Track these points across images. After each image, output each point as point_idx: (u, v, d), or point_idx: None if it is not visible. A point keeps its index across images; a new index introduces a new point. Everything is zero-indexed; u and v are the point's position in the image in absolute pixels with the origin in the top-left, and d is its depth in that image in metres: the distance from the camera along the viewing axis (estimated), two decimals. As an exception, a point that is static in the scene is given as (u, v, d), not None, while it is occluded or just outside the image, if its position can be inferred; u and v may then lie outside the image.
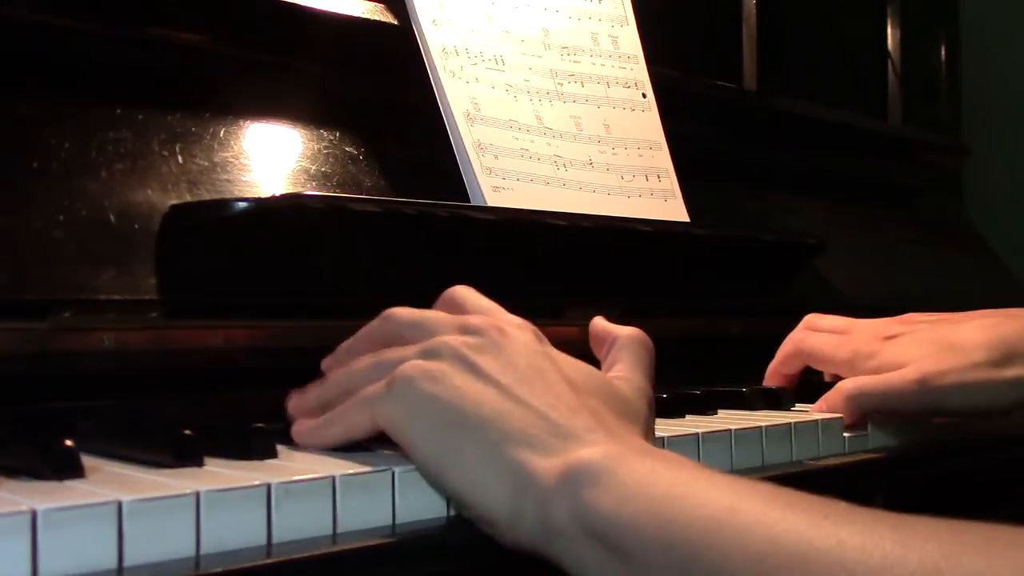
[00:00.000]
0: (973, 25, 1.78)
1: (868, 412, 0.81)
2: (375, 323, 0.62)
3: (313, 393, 0.61)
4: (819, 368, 0.90)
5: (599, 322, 0.67)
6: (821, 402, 0.82)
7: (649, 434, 0.58)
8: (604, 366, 0.63)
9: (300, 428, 0.60)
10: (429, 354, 0.55)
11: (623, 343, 0.63)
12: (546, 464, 0.50)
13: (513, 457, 0.50)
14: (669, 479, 0.48)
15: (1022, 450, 0.92)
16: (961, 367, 0.80)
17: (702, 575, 0.45)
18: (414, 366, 0.54)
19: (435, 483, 0.52)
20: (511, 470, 0.50)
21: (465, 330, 0.57)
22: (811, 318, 0.92)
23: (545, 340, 0.58)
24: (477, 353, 0.54)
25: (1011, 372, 0.80)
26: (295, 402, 0.61)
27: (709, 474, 0.49)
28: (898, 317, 0.88)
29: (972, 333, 0.82)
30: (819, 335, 0.89)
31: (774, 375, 0.92)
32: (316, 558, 0.46)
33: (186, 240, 0.71)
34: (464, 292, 0.63)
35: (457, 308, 0.61)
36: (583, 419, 0.52)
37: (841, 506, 0.46)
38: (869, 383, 0.81)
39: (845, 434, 0.78)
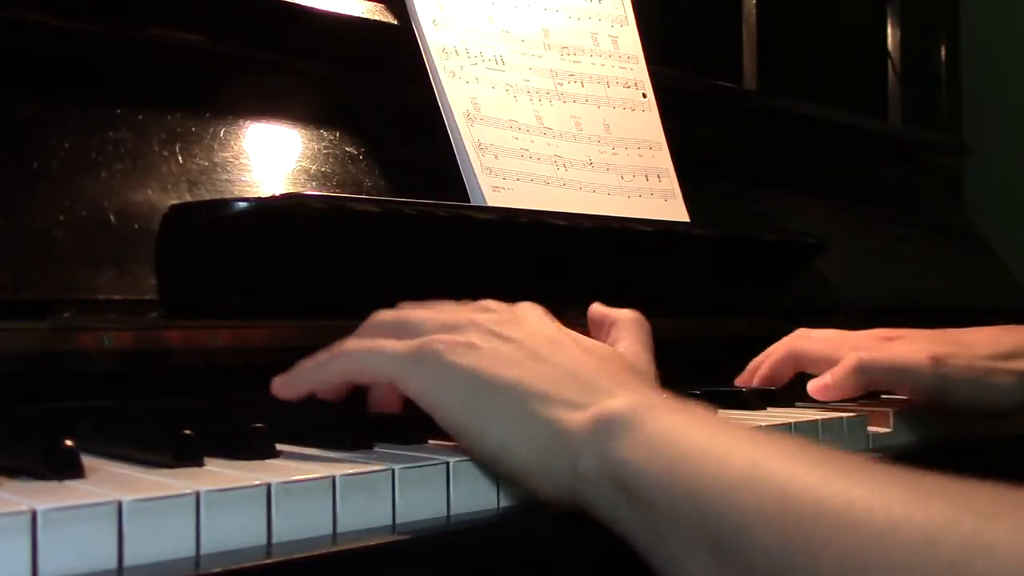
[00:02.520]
0: (973, 25, 1.78)
1: (874, 387, 0.80)
2: (361, 327, 0.62)
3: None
4: (815, 371, 0.88)
5: (598, 307, 0.70)
6: (825, 377, 0.81)
7: None
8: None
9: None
10: (453, 328, 0.57)
11: (623, 324, 0.66)
12: (576, 416, 0.52)
13: (545, 412, 0.53)
14: (694, 433, 0.50)
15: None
16: (969, 356, 0.79)
17: (724, 530, 0.46)
18: (443, 340, 0.56)
19: (473, 445, 0.54)
20: (543, 424, 0.53)
21: (479, 307, 0.60)
22: (802, 330, 0.90)
23: (550, 316, 0.61)
24: (500, 325, 0.57)
25: (1016, 365, 0.80)
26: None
27: (732, 428, 0.51)
28: (896, 328, 0.87)
29: (975, 333, 0.83)
30: (815, 338, 0.88)
31: (763, 381, 0.89)
32: (316, 558, 0.46)
33: (186, 240, 0.71)
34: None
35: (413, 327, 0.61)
36: (607, 376, 0.55)
37: (855, 462, 0.47)
38: (880, 355, 0.80)
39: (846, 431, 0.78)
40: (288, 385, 0.61)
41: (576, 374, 0.55)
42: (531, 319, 0.60)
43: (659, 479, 0.48)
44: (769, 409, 0.82)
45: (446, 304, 0.62)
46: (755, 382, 0.91)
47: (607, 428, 0.51)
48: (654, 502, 0.48)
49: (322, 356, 0.60)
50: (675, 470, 0.48)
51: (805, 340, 0.89)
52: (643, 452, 0.49)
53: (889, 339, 0.85)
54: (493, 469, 0.54)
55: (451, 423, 0.55)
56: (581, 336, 0.60)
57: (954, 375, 0.79)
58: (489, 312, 0.59)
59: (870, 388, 0.81)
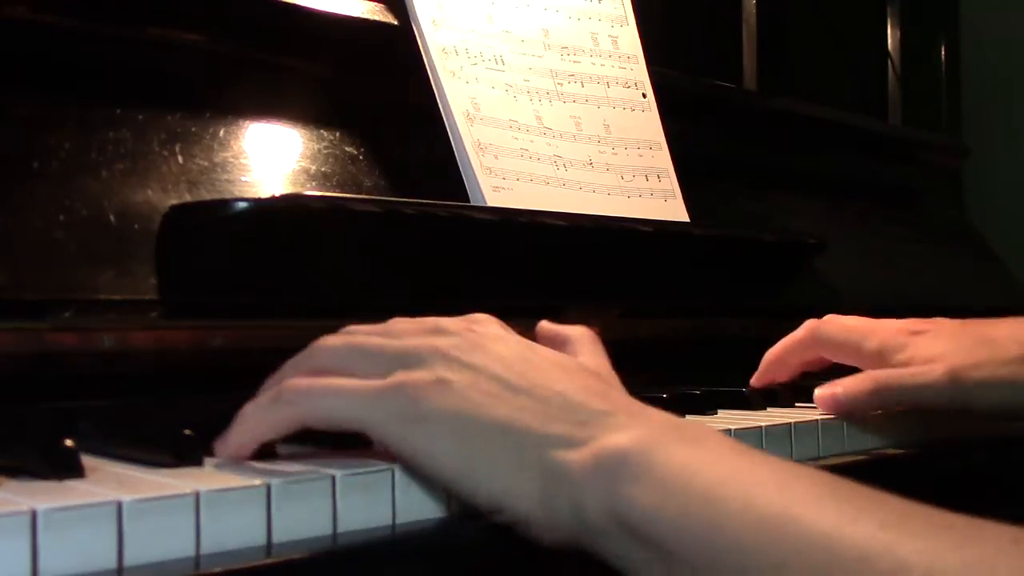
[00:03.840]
0: (973, 25, 1.78)
1: (892, 405, 0.78)
2: (300, 358, 0.56)
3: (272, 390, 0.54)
4: (838, 358, 0.85)
5: (547, 325, 0.65)
6: (837, 384, 0.77)
7: None
8: None
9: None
10: (416, 360, 0.52)
11: (577, 339, 0.62)
12: (575, 456, 0.48)
13: (541, 456, 0.49)
14: (710, 471, 0.46)
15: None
16: (995, 361, 0.76)
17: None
18: (412, 380, 0.51)
19: (468, 498, 0.50)
20: (541, 469, 0.49)
21: (437, 331, 0.54)
22: (829, 316, 0.86)
23: (509, 329, 0.57)
24: (463, 351, 0.52)
25: None
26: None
27: (749, 462, 0.47)
28: (924, 319, 0.84)
29: (1007, 329, 0.79)
30: (843, 324, 0.84)
31: (777, 364, 0.87)
32: (316, 558, 0.46)
33: (186, 240, 0.71)
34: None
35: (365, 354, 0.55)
36: (595, 399, 0.51)
37: (894, 508, 0.44)
38: (898, 377, 0.77)
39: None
40: (229, 444, 0.53)
41: (563, 401, 0.51)
42: (492, 337, 0.54)
43: (675, 525, 0.45)
44: (769, 409, 0.82)
45: (395, 323, 0.56)
46: (767, 358, 0.87)
47: (612, 469, 0.47)
48: (671, 549, 0.45)
49: (264, 399, 0.53)
50: (691, 516, 0.45)
51: (830, 324, 0.84)
52: (655, 495, 0.46)
53: (916, 332, 0.81)
54: (494, 518, 0.50)
55: (438, 473, 0.50)
56: (541, 347, 0.56)
57: (973, 389, 0.76)
58: (447, 335, 0.54)
59: (887, 409, 0.78)
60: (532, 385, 0.51)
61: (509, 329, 0.57)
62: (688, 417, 0.76)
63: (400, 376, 0.51)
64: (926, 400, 0.77)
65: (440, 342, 0.53)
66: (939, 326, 0.82)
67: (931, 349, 0.78)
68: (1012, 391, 0.76)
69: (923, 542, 0.42)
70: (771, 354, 0.87)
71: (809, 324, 0.86)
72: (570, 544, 0.49)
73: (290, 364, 0.56)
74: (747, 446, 0.49)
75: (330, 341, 0.55)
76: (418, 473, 0.51)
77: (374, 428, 0.51)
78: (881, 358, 0.80)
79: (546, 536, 0.49)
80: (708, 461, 0.47)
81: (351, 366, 0.53)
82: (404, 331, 0.55)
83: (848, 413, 0.77)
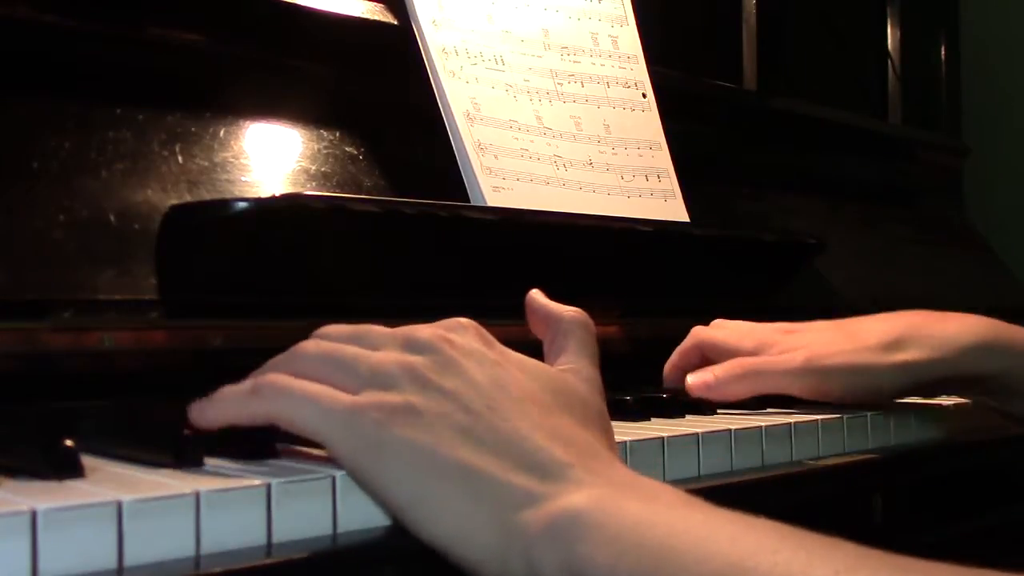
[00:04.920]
0: (973, 25, 1.78)
1: (760, 390, 0.82)
2: (284, 357, 0.56)
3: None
4: (723, 360, 0.87)
5: (538, 300, 0.63)
6: (708, 371, 0.83)
7: (608, 431, 0.57)
8: (549, 352, 0.61)
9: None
10: (387, 381, 0.51)
11: (568, 327, 0.60)
12: (531, 516, 0.48)
13: (498, 509, 0.48)
14: (663, 526, 0.46)
15: (1022, 449, 0.92)
16: (849, 349, 0.82)
17: None
18: (379, 405, 0.50)
19: (412, 530, 0.49)
20: (497, 522, 0.48)
21: (412, 346, 0.54)
22: (717, 320, 0.91)
23: (488, 336, 0.56)
24: (437, 372, 0.52)
25: (898, 357, 0.81)
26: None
27: (703, 515, 0.47)
28: (799, 322, 0.89)
29: (869, 324, 0.85)
30: (724, 329, 0.89)
31: (676, 373, 0.89)
32: (316, 558, 0.46)
33: (186, 240, 0.71)
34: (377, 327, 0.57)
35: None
36: (559, 449, 0.50)
37: (848, 553, 0.43)
38: (763, 363, 0.83)
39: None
40: (204, 414, 0.54)
41: (527, 449, 0.50)
42: (470, 356, 0.53)
43: None
44: (768, 409, 0.82)
45: (371, 330, 0.55)
46: (665, 371, 0.90)
47: (567, 529, 0.46)
48: None
49: (246, 386, 0.53)
50: (647, 570, 0.44)
51: (713, 329, 0.89)
52: (609, 551, 0.45)
53: (788, 331, 0.86)
54: (442, 556, 0.49)
55: (384, 501, 0.49)
56: (521, 364, 0.55)
57: (828, 373, 0.81)
58: (421, 351, 0.53)
59: (756, 394, 0.82)
60: (500, 421, 0.51)
61: (487, 336, 0.56)
62: (688, 417, 0.76)
63: (369, 396, 0.51)
64: (788, 385, 0.82)
65: (414, 360, 0.52)
66: (810, 325, 0.87)
67: (798, 342, 0.84)
68: (866, 377, 0.81)
69: None
70: (668, 366, 0.90)
71: (694, 331, 0.89)
72: None
73: (270, 365, 0.56)
74: (702, 500, 0.49)
75: (308, 348, 0.55)
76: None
77: (332, 446, 0.50)
78: (757, 355, 0.85)
79: None
80: (662, 516, 0.46)
81: (326, 376, 0.53)
82: (379, 339, 0.55)
83: (721, 397, 0.82)
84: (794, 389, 0.82)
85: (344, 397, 0.51)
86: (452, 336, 0.55)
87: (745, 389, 0.82)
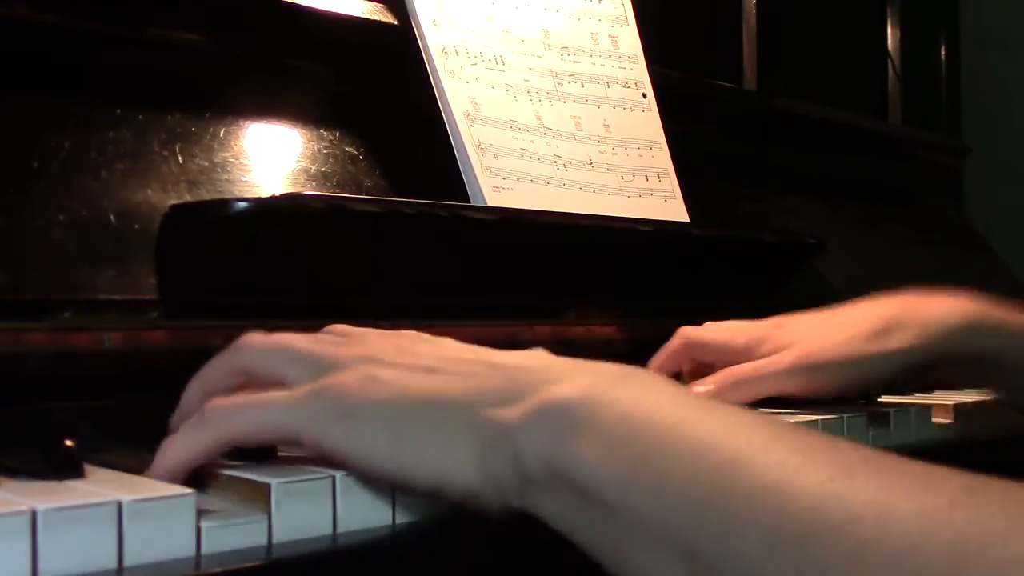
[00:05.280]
0: (973, 25, 1.78)
1: (755, 396, 0.81)
2: (225, 356, 0.55)
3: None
4: (712, 359, 0.87)
5: None
6: (698, 384, 0.82)
7: None
8: None
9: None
10: (338, 366, 0.51)
11: None
12: (511, 413, 0.46)
13: (474, 418, 0.46)
14: (659, 419, 0.44)
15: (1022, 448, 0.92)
16: (839, 342, 0.81)
17: (700, 538, 0.41)
18: (336, 383, 0.49)
19: (405, 486, 0.48)
20: (476, 434, 0.46)
21: (358, 338, 0.53)
22: (708, 323, 0.90)
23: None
24: (391, 355, 0.51)
25: (889, 344, 0.80)
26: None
27: (698, 408, 0.45)
28: (788, 315, 0.89)
29: (858, 312, 0.84)
30: (713, 327, 0.88)
31: (659, 371, 0.87)
32: (316, 558, 0.46)
33: (186, 240, 0.71)
34: (261, 339, 0.55)
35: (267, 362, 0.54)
36: (532, 361, 0.49)
37: (847, 456, 0.42)
38: (751, 369, 0.81)
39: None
40: (160, 469, 0.50)
41: (496, 366, 0.48)
42: (417, 340, 0.53)
43: (620, 480, 0.43)
44: (767, 409, 0.82)
45: (320, 336, 0.55)
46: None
47: (555, 421, 0.44)
48: (615, 507, 0.42)
49: (187, 426, 0.51)
50: (639, 468, 0.42)
51: (701, 329, 0.88)
52: (602, 447, 0.43)
53: (778, 326, 0.85)
54: (441, 502, 0.48)
55: (371, 467, 0.48)
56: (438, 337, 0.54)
57: (822, 367, 0.80)
58: (370, 342, 0.53)
59: (752, 400, 0.81)
60: (463, 361, 0.50)
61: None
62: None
63: (323, 380, 0.50)
64: (782, 386, 0.81)
65: (364, 349, 0.52)
66: (800, 317, 0.86)
67: (789, 338, 0.83)
68: (858, 368, 0.81)
69: (875, 490, 0.40)
70: (654, 366, 0.89)
71: (682, 331, 0.88)
72: (513, 508, 0.46)
73: (215, 362, 0.55)
74: (696, 393, 0.47)
75: (255, 340, 0.54)
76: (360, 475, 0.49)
77: (301, 434, 0.49)
78: (749, 352, 0.84)
79: (493, 506, 0.47)
80: (656, 409, 0.44)
81: (275, 367, 0.52)
82: (321, 336, 0.55)
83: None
84: (788, 388, 0.81)
85: (296, 390, 0.50)
86: (392, 333, 0.54)
87: (741, 397, 0.80)
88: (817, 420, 0.76)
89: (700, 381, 0.82)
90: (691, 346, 0.87)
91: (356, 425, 0.48)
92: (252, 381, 0.54)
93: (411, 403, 0.48)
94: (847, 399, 0.85)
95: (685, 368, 0.89)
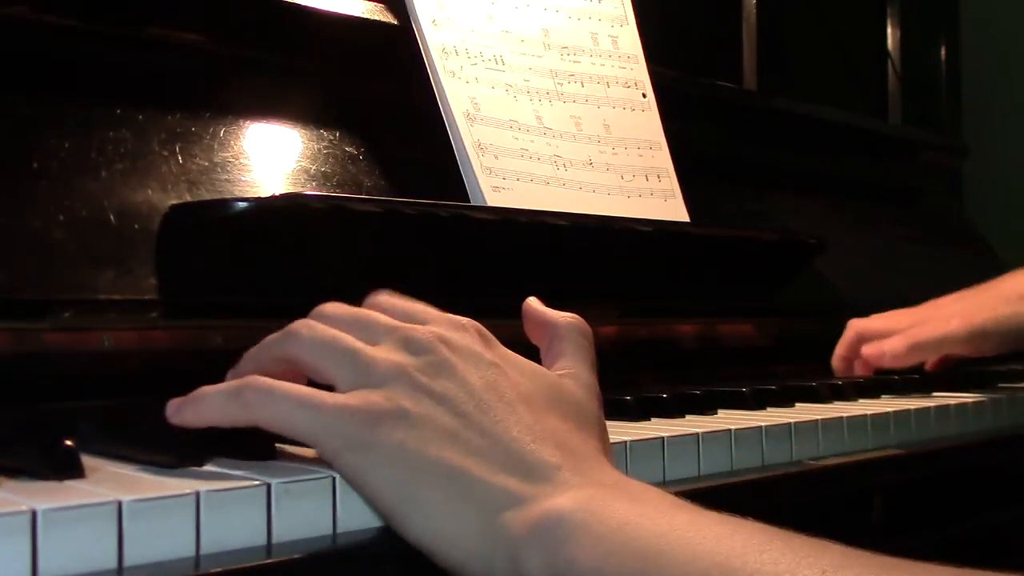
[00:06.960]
0: (973, 25, 1.78)
1: (926, 357, 1.04)
2: (276, 341, 0.55)
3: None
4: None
5: (534, 307, 0.63)
6: (882, 343, 1.03)
7: (604, 436, 0.56)
8: (546, 357, 0.60)
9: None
10: (380, 380, 0.51)
11: (564, 333, 0.60)
12: (516, 517, 0.48)
13: (482, 510, 0.48)
14: (650, 527, 0.46)
15: (1022, 448, 0.92)
16: (994, 305, 1.03)
17: None
18: (368, 408, 0.50)
19: (397, 530, 0.49)
20: (481, 523, 0.48)
21: (409, 345, 0.53)
22: (871, 316, 1.09)
23: (490, 337, 0.56)
24: (432, 377, 0.51)
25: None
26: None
27: (689, 516, 0.47)
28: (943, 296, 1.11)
29: (1005, 282, 1.07)
30: (880, 317, 1.07)
31: (840, 360, 1.08)
32: (316, 558, 0.46)
33: (186, 240, 0.71)
34: (386, 300, 0.58)
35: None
36: (548, 450, 0.50)
37: (834, 554, 0.44)
38: (927, 333, 1.03)
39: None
40: (182, 414, 0.52)
41: (515, 450, 0.50)
42: (466, 359, 0.53)
43: None
44: (769, 409, 0.82)
45: (371, 316, 0.55)
46: (833, 363, 1.08)
47: (552, 531, 0.46)
48: None
49: (229, 388, 0.52)
50: (633, 571, 0.44)
51: (867, 319, 1.08)
52: (595, 552, 0.45)
53: (936, 307, 1.06)
54: (427, 558, 0.49)
55: (377, 503, 0.49)
56: (519, 367, 0.55)
57: (983, 327, 1.02)
58: (417, 352, 0.52)
59: (921, 361, 1.04)
60: (491, 424, 0.51)
61: (488, 337, 0.56)
62: (688, 417, 0.76)
63: (357, 396, 0.50)
64: (949, 347, 1.04)
65: (407, 362, 0.52)
66: (952, 296, 1.09)
67: (948, 309, 1.06)
68: (1017, 326, 1.02)
69: None
70: (836, 359, 1.08)
71: (852, 323, 1.08)
72: None
73: (267, 343, 0.56)
74: (688, 502, 0.49)
75: (304, 331, 0.54)
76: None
77: (320, 446, 0.50)
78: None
79: None
80: (648, 517, 0.46)
81: (318, 363, 0.53)
82: (377, 330, 0.54)
83: (891, 365, 1.03)
84: (956, 350, 1.03)
85: (330, 398, 0.51)
86: (450, 336, 0.54)
87: (915, 358, 1.03)
88: (817, 420, 0.76)
89: (880, 342, 1.04)
90: (862, 335, 1.07)
91: (370, 462, 0.49)
92: (298, 370, 0.54)
93: (429, 462, 0.49)
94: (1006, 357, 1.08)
95: (855, 352, 1.08)
